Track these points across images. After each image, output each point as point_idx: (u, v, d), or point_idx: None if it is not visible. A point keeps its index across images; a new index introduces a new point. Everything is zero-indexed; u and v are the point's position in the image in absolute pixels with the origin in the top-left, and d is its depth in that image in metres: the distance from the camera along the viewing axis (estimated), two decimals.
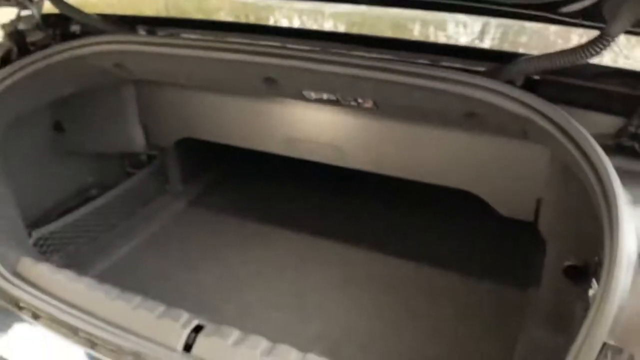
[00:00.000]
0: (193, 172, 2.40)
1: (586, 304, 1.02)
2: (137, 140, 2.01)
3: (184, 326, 1.24)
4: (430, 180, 1.58)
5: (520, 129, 1.30)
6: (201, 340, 1.22)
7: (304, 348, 1.20)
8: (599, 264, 1.03)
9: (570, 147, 1.13)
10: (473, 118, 1.33)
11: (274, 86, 1.40)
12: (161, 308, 1.29)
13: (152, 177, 2.28)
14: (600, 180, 1.05)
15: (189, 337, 1.24)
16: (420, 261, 1.91)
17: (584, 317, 0.92)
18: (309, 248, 2.02)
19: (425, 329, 1.64)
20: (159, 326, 1.25)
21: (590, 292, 1.05)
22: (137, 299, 1.31)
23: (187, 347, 1.23)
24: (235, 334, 1.24)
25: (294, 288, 1.82)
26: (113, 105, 1.94)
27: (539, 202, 1.45)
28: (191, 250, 2.02)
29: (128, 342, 1.20)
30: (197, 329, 1.25)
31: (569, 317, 1.25)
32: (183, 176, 2.34)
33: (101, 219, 2.03)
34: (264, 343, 1.21)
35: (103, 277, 1.60)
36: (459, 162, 1.51)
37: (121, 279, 1.85)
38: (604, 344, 0.88)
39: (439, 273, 1.85)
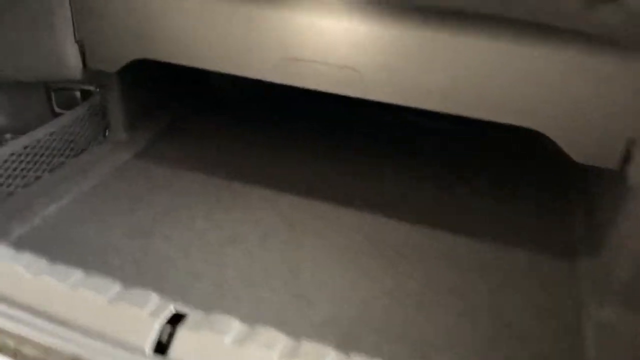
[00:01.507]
0: (140, 114, 1.89)
1: None
2: (70, 62, 1.48)
3: (154, 315, 0.80)
4: (480, 115, 1.18)
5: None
6: (183, 337, 0.78)
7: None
8: None
9: None
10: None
11: None
12: (115, 288, 0.84)
13: (87, 119, 1.75)
14: None
15: (162, 331, 0.80)
16: (441, 227, 1.53)
17: None
18: (297, 209, 1.59)
19: (456, 307, 1.27)
20: (115, 316, 0.79)
21: None
22: (77, 275, 0.85)
23: (161, 348, 0.79)
24: (234, 325, 0.81)
25: (284, 259, 1.39)
26: (33, 11, 1.40)
27: (630, 143, 1.11)
28: (140, 211, 1.53)
29: (65, 343, 0.75)
30: (175, 320, 0.81)
31: None
32: (128, 119, 1.83)
33: (18, 170, 1.50)
34: (282, 340, 0.79)
35: (21, 245, 1.12)
36: (522, 89, 1.13)
37: (47, 248, 1.36)
38: None
39: (465, 242, 1.48)
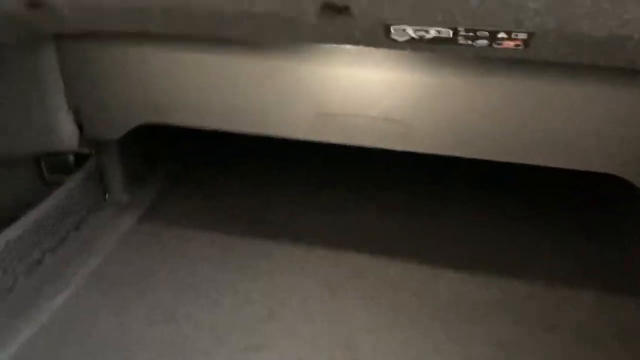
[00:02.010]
0: (141, 172, 1.71)
1: None
2: (65, 133, 1.30)
3: None
4: (551, 163, 1.06)
5: None
6: None
7: None
8: None
9: None
10: None
11: (337, 22, 0.80)
12: None
13: (84, 187, 1.57)
14: None
15: None
16: (499, 273, 1.40)
17: None
18: (332, 267, 1.44)
19: None
20: None
21: None
22: None
23: None
24: None
25: (334, 333, 1.24)
26: (23, 79, 1.22)
27: None
28: (158, 289, 1.36)
29: None
30: None
31: None
32: (128, 179, 1.66)
33: (15, 259, 1.31)
34: None
35: (31, 349, 0.94)
36: (600, 133, 1.01)
37: (61, 349, 1.18)
38: None
39: (526, 288, 1.35)
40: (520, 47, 0.80)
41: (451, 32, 0.79)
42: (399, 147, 1.12)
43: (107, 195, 1.65)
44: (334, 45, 0.97)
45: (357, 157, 1.70)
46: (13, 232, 1.29)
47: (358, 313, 1.31)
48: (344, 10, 0.78)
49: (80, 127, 1.33)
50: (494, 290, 1.35)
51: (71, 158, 1.56)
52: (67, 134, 1.33)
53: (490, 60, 0.98)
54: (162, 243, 1.53)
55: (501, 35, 0.77)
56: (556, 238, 1.49)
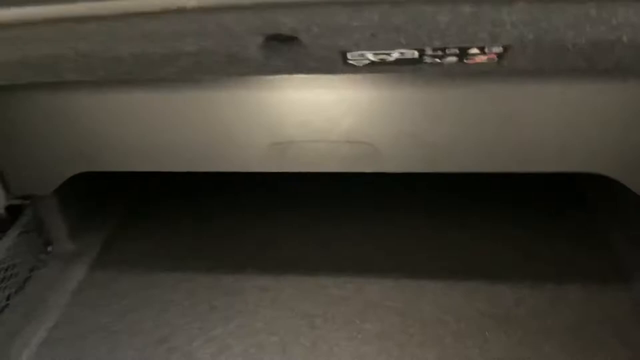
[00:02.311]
0: (86, 215, 1.56)
1: None
2: None
3: None
4: (534, 169, 0.99)
5: None
6: None
7: None
8: None
9: None
10: None
11: (285, 54, 0.68)
12: None
13: (22, 242, 1.41)
14: None
15: None
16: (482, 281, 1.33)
17: None
18: (308, 298, 1.34)
19: None
20: None
21: None
22: None
23: None
24: None
25: None
26: None
27: None
28: (122, 348, 1.23)
29: None
30: None
31: None
32: (73, 226, 1.50)
33: None
34: None
35: None
36: (581, 133, 0.94)
37: None
38: None
39: (512, 295, 1.28)
40: (493, 61, 0.71)
41: (416, 53, 0.69)
42: (365, 169, 1.02)
43: (50, 247, 1.50)
44: None
45: (315, 177, 1.59)
46: None
47: (342, 343, 1.22)
48: (291, 40, 0.67)
49: (5, 185, 1.17)
50: (480, 300, 1.28)
51: (3, 213, 1.40)
52: None
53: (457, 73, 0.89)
54: (119, 293, 1.39)
55: (473, 51, 0.68)
56: (538, 241, 1.43)
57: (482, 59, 0.70)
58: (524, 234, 1.45)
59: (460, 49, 0.68)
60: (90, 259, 1.50)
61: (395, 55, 0.69)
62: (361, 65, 0.71)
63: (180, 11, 0.65)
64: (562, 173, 1.00)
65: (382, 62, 0.71)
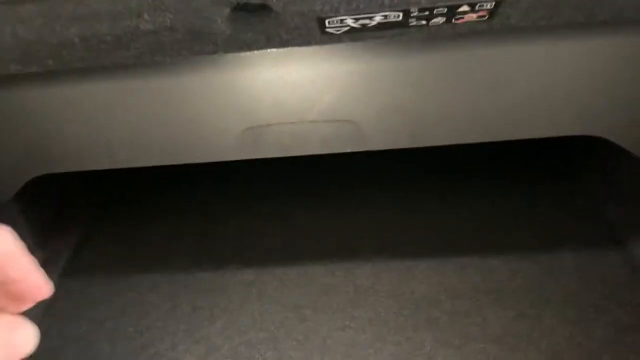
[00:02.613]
0: (53, 219, 1.46)
1: None
2: None
3: None
4: (524, 135, 0.93)
5: None
6: None
7: None
8: None
9: None
10: None
11: (255, 25, 0.61)
12: None
13: None
14: None
15: None
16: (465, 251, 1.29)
17: None
18: (295, 288, 1.27)
19: None
20: None
21: None
22: None
23: None
24: None
25: None
26: None
27: None
28: (103, 354, 1.16)
29: None
30: None
31: None
32: (38, 232, 1.40)
33: None
34: None
35: None
36: (572, 93, 0.89)
37: None
38: None
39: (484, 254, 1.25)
40: (484, 19, 0.64)
41: (401, 15, 0.62)
42: (348, 149, 0.96)
43: None
44: None
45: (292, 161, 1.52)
46: None
47: (334, 334, 1.16)
48: (261, 10, 0.59)
49: None
50: (473, 276, 1.24)
51: None
52: None
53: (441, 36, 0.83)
54: (95, 300, 1.31)
55: (463, 9, 0.62)
56: (527, 210, 1.39)
57: (472, 17, 0.64)
58: (512, 204, 1.41)
59: (448, 7, 0.62)
60: (60, 266, 1.40)
61: (377, 19, 0.62)
62: (340, 32, 0.64)
63: None
64: (547, 139, 0.95)
65: (364, 28, 0.64)
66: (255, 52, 0.74)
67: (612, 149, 1.00)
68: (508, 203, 1.41)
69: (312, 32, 0.64)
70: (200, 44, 0.64)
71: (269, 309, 1.23)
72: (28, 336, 0.36)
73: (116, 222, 1.54)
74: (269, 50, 0.74)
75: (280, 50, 0.77)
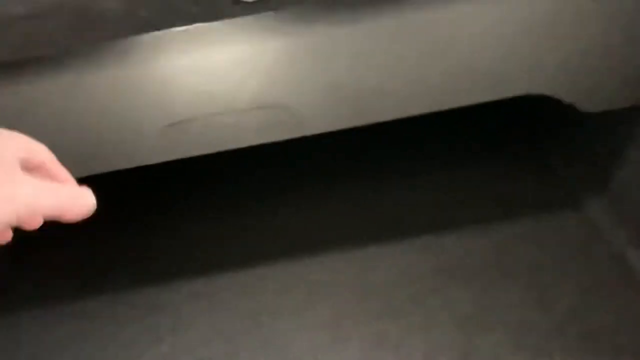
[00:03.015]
0: None
1: None
2: None
3: None
4: (470, 101, 0.87)
5: None
6: None
7: None
8: None
9: None
10: None
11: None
12: None
13: None
14: None
15: None
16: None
17: None
18: (252, 287, 1.19)
19: None
20: None
21: None
22: None
23: None
24: None
25: None
26: None
27: None
28: None
29: None
30: None
31: None
32: None
33: None
34: None
35: None
36: (512, 52, 0.83)
37: None
38: None
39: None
40: None
41: None
42: (285, 136, 0.87)
43: None
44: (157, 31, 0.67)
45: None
46: None
47: (295, 335, 1.08)
48: None
49: None
50: (431, 256, 1.18)
51: None
52: None
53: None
54: (25, 336, 1.17)
55: None
56: (477, 180, 1.34)
57: None
58: (463, 176, 1.36)
59: None
60: None
61: None
62: (253, 0, 0.55)
63: None
64: (493, 104, 0.90)
65: None
66: (161, 33, 0.64)
67: (560, 108, 0.96)
68: (459, 175, 1.36)
69: (220, 3, 0.55)
70: (91, 29, 0.54)
71: (223, 319, 1.14)
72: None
73: (40, 245, 1.39)
74: (176, 30, 0.65)
75: (192, 30, 0.68)
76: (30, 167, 0.40)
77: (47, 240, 1.37)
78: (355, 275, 1.18)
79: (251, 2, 0.55)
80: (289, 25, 0.75)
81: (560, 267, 1.11)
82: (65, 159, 0.80)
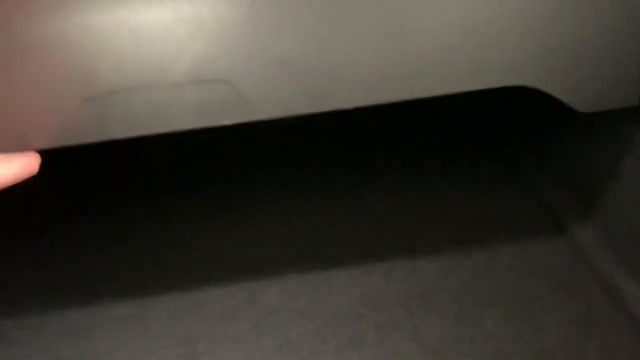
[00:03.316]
0: None
1: None
2: None
3: None
4: (442, 91, 0.76)
5: None
6: None
7: None
8: None
9: None
10: None
11: None
12: None
13: None
14: None
15: None
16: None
17: None
18: (199, 307, 1.02)
19: None
20: None
21: None
22: None
23: None
24: None
25: None
26: None
27: None
28: None
29: None
30: None
31: None
32: None
33: None
34: None
35: None
36: (500, 37, 0.73)
37: None
38: None
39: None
40: None
41: None
42: (227, 121, 0.73)
43: None
44: None
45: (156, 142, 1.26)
46: None
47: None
48: None
49: None
50: (399, 280, 1.04)
51: None
52: None
53: None
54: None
55: None
56: (455, 197, 1.21)
57: None
58: (438, 191, 1.23)
59: None
60: None
61: None
62: None
63: None
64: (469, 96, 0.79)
65: None
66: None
67: (545, 126, 0.86)
68: (433, 190, 1.23)
69: None
70: None
71: (154, 346, 0.97)
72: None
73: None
74: None
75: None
76: None
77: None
78: (312, 300, 1.03)
79: None
80: None
81: (544, 294, 0.98)
82: None
